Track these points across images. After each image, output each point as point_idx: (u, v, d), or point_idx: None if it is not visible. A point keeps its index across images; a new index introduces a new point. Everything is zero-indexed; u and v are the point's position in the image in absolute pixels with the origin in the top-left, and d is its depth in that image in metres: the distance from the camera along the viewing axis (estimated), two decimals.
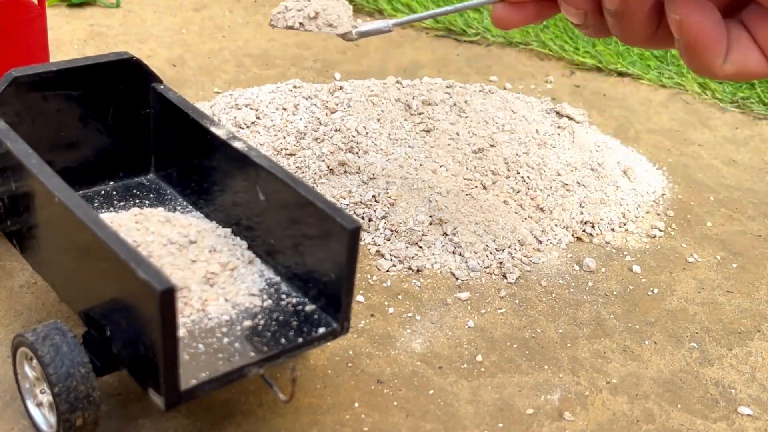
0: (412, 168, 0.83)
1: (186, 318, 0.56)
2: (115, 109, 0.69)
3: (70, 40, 1.14)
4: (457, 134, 0.87)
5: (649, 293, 0.77)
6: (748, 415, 0.65)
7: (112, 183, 0.71)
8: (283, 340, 0.55)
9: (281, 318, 0.57)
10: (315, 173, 0.82)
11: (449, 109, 0.90)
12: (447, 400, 0.63)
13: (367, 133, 0.85)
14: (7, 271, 0.71)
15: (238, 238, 0.64)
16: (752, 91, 1.17)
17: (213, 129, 0.64)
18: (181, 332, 0.55)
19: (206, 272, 0.59)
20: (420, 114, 0.88)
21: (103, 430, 0.57)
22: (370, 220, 0.79)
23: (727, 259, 0.83)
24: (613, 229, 0.84)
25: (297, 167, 0.84)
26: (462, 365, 0.66)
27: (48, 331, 0.53)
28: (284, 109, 0.91)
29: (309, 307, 0.58)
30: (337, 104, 0.89)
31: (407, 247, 0.77)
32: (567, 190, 0.85)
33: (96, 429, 0.54)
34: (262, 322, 0.57)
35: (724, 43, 0.47)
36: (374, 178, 0.81)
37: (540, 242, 0.81)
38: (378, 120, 0.87)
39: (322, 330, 0.56)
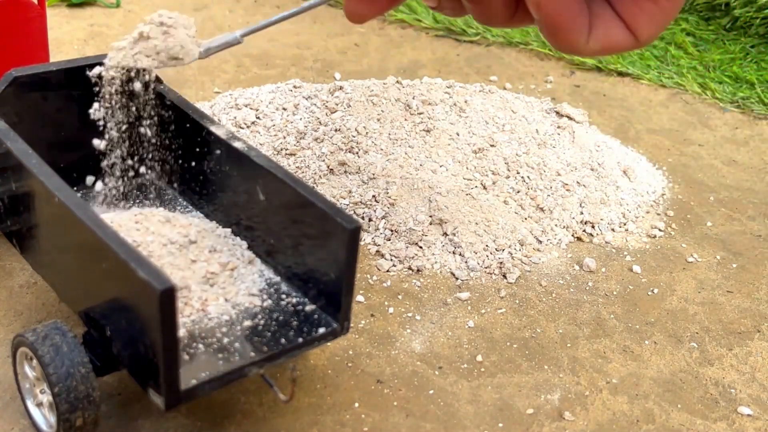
0: (412, 168, 0.83)
1: (186, 318, 0.56)
2: None
3: (70, 40, 1.14)
4: (457, 134, 0.87)
5: (649, 293, 0.77)
6: (748, 415, 0.65)
7: (111, 183, 0.71)
8: (283, 340, 0.55)
9: (281, 318, 0.57)
10: (315, 173, 0.82)
11: (449, 109, 0.90)
12: (447, 400, 0.63)
13: (367, 133, 0.85)
14: (7, 271, 0.71)
15: (238, 238, 0.64)
16: (752, 91, 1.17)
17: (213, 129, 0.64)
18: (181, 332, 0.55)
19: (206, 272, 0.59)
20: (420, 114, 0.88)
21: (103, 430, 0.57)
22: (370, 220, 0.79)
23: (727, 259, 0.83)
24: (613, 229, 0.84)
25: (297, 167, 0.84)
26: (462, 365, 0.66)
27: (48, 331, 0.53)
28: (284, 109, 0.91)
29: (309, 307, 0.58)
30: (337, 104, 0.89)
31: (407, 247, 0.77)
32: (567, 190, 0.85)
33: (96, 429, 0.54)
34: (262, 322, 0.57)
35: (586, 21, 0.46)
36: (374, 178, 0.81)
37: (540, 242, 0.81)
38: (378, 120, 0.87)
39: (322, 330, 0.56)
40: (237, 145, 0.61)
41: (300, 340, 0.55)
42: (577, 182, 0.86)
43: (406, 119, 0.88)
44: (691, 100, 1.16)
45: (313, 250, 0.57)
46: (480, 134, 0.87)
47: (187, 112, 0.66)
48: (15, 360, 0.56)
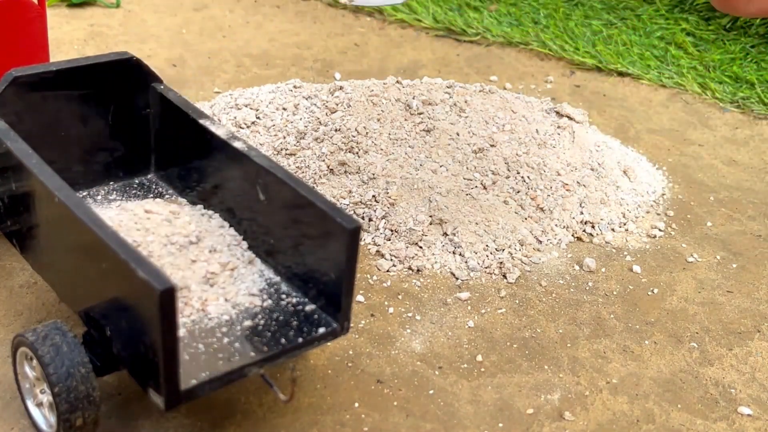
0: (412, 168, 0.83)
1: (186, 318, 0.56)
2: (115, 109, 0.69)
3: (70, 40, 1.14)
4: (457, 134, 0.87)
5: (649, 293, 0.77)
6: (748, 415, 0.65)
7: (112, 183, 0.71)
8: (283, 340, 0.55)
9: (281, 318, 0.57)
10: (315, 173, 0.83)
11: (449, 109, 0.90)
12: (447, 400, 0.63)
13: (367, 133, 0.85)
14: (7, 271, 0.71)
15: (238, 238, 0.64)
16: (752, 91, 1.17)
17: (213, 129, 0.64)
18: (181, 332, 0.55)
19: (206, 272, 0.59)
20: (420, 114, 0.88)
21: (103, 430, 0.57)
22: (370, 220, 0.79)
23: (727, 259, 0.83)
24: (613, 229, 0.85)
25: (297, 167, 0.84)
26: (462, 365, 0.66)
27: (48, 331, 0.53)
28: (284, 109, 0.91)
29: (309, 307, 0.58)
30: (337, 104, 0.89)
31: (407, 247, 0.77)
32: (567, 190, 0.85)
33: (96, 429, 0.54)
34: (262, 322, 0.57)
35: None
36: (374, 178, 0.81)
37: (540, 242, 0.81)
38: (378, 120, 0.87)
39: (322, 330, 0.56)
40: (237, 145, 0.61)
41: (300, 340, 0.55)
42: (577, 182, 0.86)
43: (406, 119, 0.88)
44: (691, 100, 1.16)
45: (313, 250, 0.57)
46: (480, 134, 0.87)
47: (187, 112, 0.66)
48: (15, 360, 0.56)
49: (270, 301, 0.59)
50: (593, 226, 0.84)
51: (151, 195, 0.70)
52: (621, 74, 1.21)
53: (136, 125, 0.70)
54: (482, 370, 0.66)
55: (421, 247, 0.77)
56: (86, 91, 0.67)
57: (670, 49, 1.27)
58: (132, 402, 0.60)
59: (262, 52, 1.17)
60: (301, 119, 0.89)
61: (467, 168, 0.84)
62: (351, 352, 0.66)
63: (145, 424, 0.58)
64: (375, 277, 0.75)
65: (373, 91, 0.91)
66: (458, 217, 0.79)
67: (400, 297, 0.73)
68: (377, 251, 0.77)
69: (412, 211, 0.79)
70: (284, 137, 0.87)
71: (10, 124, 0.61)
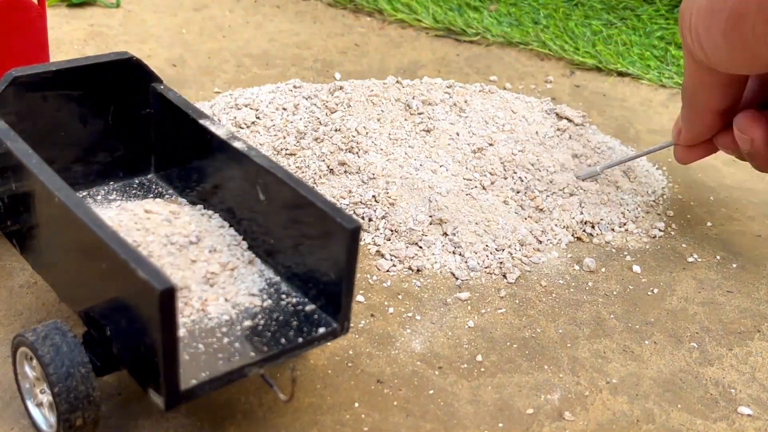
0: (412, 168, 0.83)
1: (186, 318, 0.56)
2: (115, 109, 0.69)
3: (70, 40, 1.14)
4: (457, 134, 0.87)
5: (649, 293, 0.77)
6: (748, 415, 0.65)
7: (112, 183, 0.71)
8: (283, 340, 0.55)
9: (281, 318, 0.57)
10: (315, 173, 0.83)
11: (449, 109, 0.90)
12: (447, 400, 0.63)
13: (367, 133, 0.85)
14: (7, 271, 0.71)
15: (238, 238, 0.64)
16: None
17: (213, 129, 0.64)
18: (181, 332, 0.55)
19: (206, 272, 0.59)
20: (420, 114, 0.88)
21: (103, 430, 0.57)
22: (370, 220, 0.79)
23: (727, 259, 0.83)
24: (613, 229, 0.84)
25: (297, 167, 0.84)
26: (462, 365, 0.66)
27: (48, 331, 0.53)
28: (284, 109, 0.91)
29: (309, 307, 0.58)
30: (337, 104, 0.89)
31: (407, 247, 0.77)
32: (567, 190, 0.85)
33: (96, 429, 0.54)
34: (262, 322, 0.57)
35: None
36: (374, 178, 0.81)
37: (540, 242, 0.81)
38: (378, 120, 0.87)
39: (322, 330, 0.56)
40: (237, 145, 0.61)
41: (300, 340, 0.55)
42: (578, 183, 0.86)
43: (406, 119, 0.88)
44: None
45: (313, 250, 0.57)
46: (480, 134, 0.87)
47: (187, 112, 0.66)
48: (15, 360, 0.56)
49: (270, 301, 0.59)
50: (593, 226, 0.84)
51: (151, 195, 0.70)
52: (621, 74, 1.21)
53: (136, 125, 0.70)
54: (482, 370, 0.66)
55: (421, 247, 0.77)
56: (86, 91, 0.67)
57: (670, 49, 1.27)
58: (132, 402, 0.60)
59: (262, 52, 1.17)
60: (301, 119, 0.89)
61: (467, 168, 0.84)
62: (351, 352, 0.66)
63: (145, 424, 0.58)
64: (375, 277, 0.75)
65: (373, 91, 0.91)
66: (458, 217, 0.79)
67: (400, 297, 0.73)
68: (377, 251, 0.77)
69: (412, 211, 0.79)
70: (284, 137, 0.87)
71: (10, 124, 0.61)
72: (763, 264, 0.83)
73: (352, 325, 0.64)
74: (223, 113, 0.92)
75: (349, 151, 0.84)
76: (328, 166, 0.83)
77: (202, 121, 0.65)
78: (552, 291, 0.76)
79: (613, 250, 0.82)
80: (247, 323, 0.56)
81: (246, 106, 0.92)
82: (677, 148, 0.82)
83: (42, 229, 0.58)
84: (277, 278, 0.61)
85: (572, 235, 0.83)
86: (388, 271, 0.76)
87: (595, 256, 0.80)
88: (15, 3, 0.71)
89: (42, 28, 0.73)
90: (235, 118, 0.90)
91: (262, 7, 1.33)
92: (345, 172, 0.82)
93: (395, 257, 0.76)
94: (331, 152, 0.84)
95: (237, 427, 0.59)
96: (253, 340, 0.55)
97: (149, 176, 0.72)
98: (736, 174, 0.99)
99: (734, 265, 0.82)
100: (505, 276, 0.76)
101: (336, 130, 0.86)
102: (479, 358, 0.67)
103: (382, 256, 0.77)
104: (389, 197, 0.79)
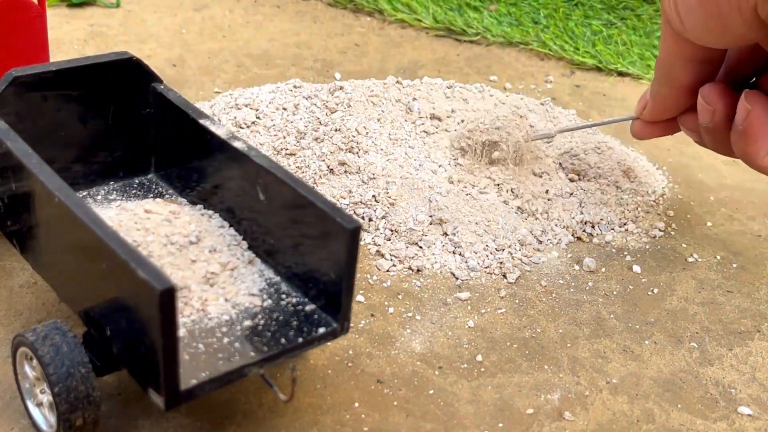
0: (412, 168, 0.83)
1: (186, 318, 0.56)
2: (115, 109, 0.69)
3: (70, 40, 1.14)
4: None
5: (649, 293, 0.77)
6: (748, 415, 0.65)
7: (112, 183, 0.71)
8: (283, 340, 0.55)
9: (281, 318, 0.57)
10: (315, 173, 0.83)
11: (454, 117, 0.90)
12: (447, 400, 0.63)
13: (367, 133, 0.85)
14: (7, 271, 0.71)
15: (238, 238, 0.64)
16: None
17: (213, 129, 0.64)
18: (181, 332, 0.55)
19: (206, 272, 0.59)
20: (421, 117, 0.88)
21: (103, 430, 0.57)
22: (370, 220, 0.79)
23: (727, 259, 0.83)
24: (613, 229, 0.84)
25: (297, 167, 0.84)
26: (462, 365, 0.66)
27: (48, 331, 0.53)
28: (284, 109, 0.91)
29: (309, 307, 0.58)
30: (337, 104, 0.89)
31: (407, 247, 0.77)
32: (567, 190, 0.85)
33: (96, 429, 0.54)
34: (262, 322, 0.57)
35: None
36: (374, 178, 0.81)
37: (540, 242, 0.81)
38: (378, 120, 0.87)
39: (322, 330, 0.56)
40: (237, 144, 0.61)
41: (300, 340, 0.55)
42: (577, 184, 0.86)
43: (406, 119, 0.88)
44: None
45: (313, 250, 0.57)
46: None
47: (187, 112, 0.66)
48: (15, 360, 0.56)
49: (270, 301, 0.59)
50: (593, 226, 0.84)
51: (151, 195, 0.70)
52: (621, 74, 1.21)
53: (136, 125, 0.70)
54: (482, 370, 0.66)
55: (421, 247, 0.77)
56: (86, 91, 0.67)
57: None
58: (132, 402, 0.60)
59: (262, 52, 1.17)
60: (301, 119, 0.89)
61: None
62: (351, 352, 0.66)
63: (145, 424, 0.58)
64: (375, 277, 0.75)
65: (373, 91, 0.91)
66: (458, 217, 0.79)
67: (400, 297, 0.73)
68: (377, 251, 0.77)
69: (412, 211, 0.79)
70: (284, 137, 0.87)
71: (10, 124, 0.61)
72: (763, 264, 0.83)
73: (352, 325, 0.64)
74: (223, 113, 0.92)
75: (349, 151, 0.84)
76: (328, 166, 0.83)
77: (202, 121, 0.65)
78: (552, 291, 0.76)
79: (613, 250, 0.82)
80: (247, 323, 0.56)
81: (246, 106, 0.92)
82: (637, 122, 0.81)
83: (42, 229, 0.58)
84: (277, 278, 0.61)
85: (572, 235, 0.83)
86: (388, 271, 0.76)
87: (595, 256, 0.80)
88: (15, 3, 0.71)
89: (42, 28, 0.73)
90: (235, 118, 0.90)
91: (262, 7, 1.33)
92: (345, 172, 0.82)
93: (395, 257, 0.76)
94: (331, 152, 0.84)
95: (237, 427, 0.59)
96: (253, 340, 0.55)
97: (149, 176, 0.72)
98: (736, 174, 0.99)
99: (734, 265, 0.82)
100: (505, 276, 0.76)
101: (336, 130, 0.86)
102: (479, 358, 0.67)
103: (382, 256, 0.77)
104: (389, 197, 0.79)
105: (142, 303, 0.48)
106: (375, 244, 0.78)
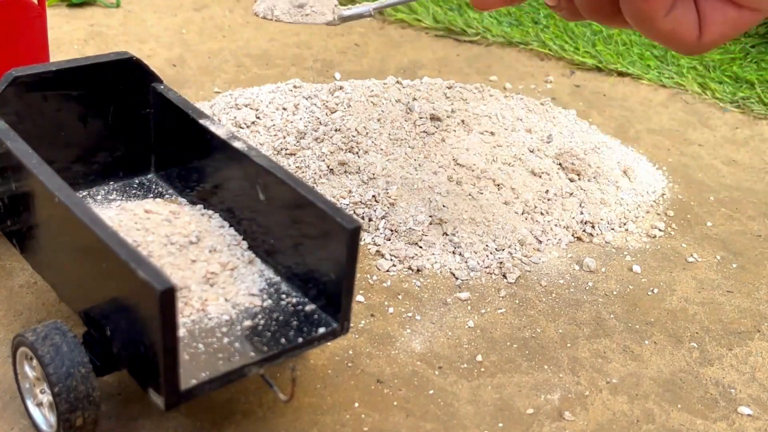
0: (412, 168, 0.83)
1: (186, 318, 0.56)
2: (115, 109, 0.69)
3: (70, 40, 1.14)
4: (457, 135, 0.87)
5: (649, 293, 0.77)
6: (748, 415, 0.65)
7: (112, 183, 0.71)
8: (283, 340, 0.55)
9: (281, 318, 0.57)
10: (315, 173, 0.82)
11: (454, 117, 0.90)
12: (447, 400, 0.63)
13: (367, 133, 0.85)
14: (7, 271, 0.71)
15: (238, 238, 0.64)
16: (752, 91, 1.17)
17: (213, 129, 0.64)
18: (181, 332, 0.55)
19: (206, 272, 0.59)
20: (421, 118, 0.88)
21: (103, 430, 0.57)
22: (370, 220, 0.79)
23: (727, 259, 0.83)
24: (613, 229, 0.84)
25: (297, 167, 0.84)
26: (462, 365, 0.66)
27: (48, 331, 0.53)
28: (284, 109, 0.91)
29: (309, 307, 0.58)
30: (337, 104, 0.89)
31: (407, 247, 0.77)
32: (567, 190, 0.85)
33: (96, 429, 0.54)
34: (262, 322, 0.57)
35: None
36: (374, 178, 0.81)
37: (540, 242, 0.81)
38: (378, 120, 0.87)
39: (322, 330, 0.56)
40: (237, 144, 0.61)
41: (300, 340, 0.55)
42: (578, 184, 0.86)
43: (406, 119, 0.88)
44: (691, 100, 1.16)
45: (313, 250, 0.57)
46: (480, 135, 0.87)
47: (187, 112, 0.66)
48: (15, 360, 0.56)
49: (270, 301, 0.59)
50: (593, 226, 0.84)
51: (151, 195, 0.70)
52: (621, 74, 1.21)
53: (136, 125, 0.70)
54: (482, 370, 0.66)
55: (421, 247, 0.77)
56: (86, 91, 0.67)
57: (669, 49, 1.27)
58: (132, 402, 0.60)
59: (262, 52, 1.17)
60: (301, 119, 0.89)
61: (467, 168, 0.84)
62: (351, 352, 0.66)
63: (145, 424, 0.58)
64: (375, 277, 0.75)
65: (373, 91, 0.91)
66: (458, 217, 0.79)
67: (400, 297, 0.73)
68: (377, 251, 0.77)
69: (412, 211, 0.79)
70: (284, 137, 0.87)
71: (10, 124, 0.61)
72: (763, 264, 0.83)
73: (352, 325, 0.64)
74: (223, 113, 0.92)
75: (349, 151, 0.84)
76: (328, 166, 0.83)
77: (202, 121, 0.65)
78: (552, 291, 0.76)
79: (613, 250, 0.82)
80: (247, 323, 0.56)
81: (246, 106, 0.92)
82: None
83: (42, 229, 0.58)
84: (277, 278, 0.61)
85: (572, 235, 0.83)
86: (388, 271, 0.76)
87: (595, 256, 0.80)
88: (15, 3, 0.71)
89: (42, 28, 0.73)
90: (235, 118, 0.90)
91: None
92: (345, 172, 0.82)
93: (395, 257, 0.76)
94: (331, 152, 0.84)
95: (237, 427, 0.59)
96: (253, 340, 0.55)
97: (149, 176, 0.72)
98: (736, 174, 0.99)
99: (734, 265, 0.82)
100: (505, 276, 0.76)
101: (336, 130, 0.86)
102: (479, 358, 0.67)
103: (382, 256, 0.77)
104: (389, 197, 0.79)
105: (142, 303, 0.48)
106: (375, 244, 0.78)
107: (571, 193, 0.85)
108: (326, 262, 0.56)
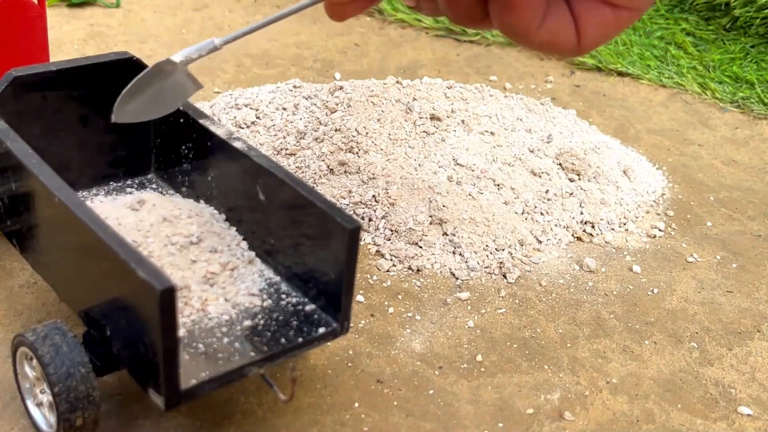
0: (412, 168, 0.83)
1: (186, 318, 0.56)
2: None
3: (70, 40, 1.14)
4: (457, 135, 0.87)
5: (649, 293, 0.77)
6: (748, 415, 0.65)
7: (112, 183, 0.71)
8: (283, 340, 0.55)
9: (281, 318, 0.57)
10: (315, 173, 0.82)
11: (454, 117, 0.90)
12: (447, 400, 0.63)
13: (367, 133, 0.85)
14: (7, 271, 0.71)
15: (238, 238, 0.64)
16: (752, 91, 1.17)
17: (213, 129, 0.64)
18: (181, 332, 0.55)
19: (206, 272, 0.59)
20: (421, 118, 0.88)
21: (103, 430, 0.57)
22: (370, 220, 0.79)
23: (727, 259, 0.83)
24: (613, 229, 0.84)
25: (297, 167, 0.84)
26: (462, 365, 0.66)
27: (48, 331, 0.53)
28: (284, 109, 0.91)
29: (309, 307, 0.58)
30: (337, 104, 0.89)
31: (407, 247, 0.77)
32: (567, 190, 0.85)
33: (96, 429, 0.54)
34: (262, 322, 0.57)
35: (542, 6, 0.44)
36: (374, 178, 0.81)
37: (540, 242, 0.81)
38: (378, 120, 0.87)
39: (322, 330, 0.56)
40: (237, 144, 0.61)
41: (300, 340, 0.55)
42: (578, 184, 0.86)
43: (406, 119, 0.88)
44: (691, 100, 1.16)
45: (313, 250, 0.57)
46: (480, 135, 0.87)
47: (187, 112, 0.66)
48: (15, 360, 0.56)
49: (270, 301, 0.59)
50: (593, 226, 0.84)
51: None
52: (621, 74, 1.21)
53: (136, 125, 0.70)
54: (482, 370, 0.66)
55: (421, 247, 0.77)
56: (86, 91, 0.67)
57: (670, 49, 1.27)
58: (132, 402, 0.60)
59: (262, 52, 1.17)
60: (301, 119, 0.89)
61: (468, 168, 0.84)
62: (351, 352, 0.66)
63: (145, 424, 0.58)
64: (375, 277, 0.75)
65: (373, 91, 0.91)
66: (458, 217, 0.79)
67: (400, 297, 0.73)
68: (377, 251, 0.77)
69: (412, 211, 0.79)
70: (284, 137, 0.87)
71: (10, 124, 0.61)
72: (763, 264, 0.83)
73: (352, 325, 0.64)
74: (223, 113, 0.92)
75: (349, 151, 0.84)
76: (328, 166, 0.83)
77: (202, 121, 0.65)
78: (552, 291, 0.76)
79: (613, 250, 0.82)
80: (247, 323, 0.56)
81: (246, 106, 0.92)
82: (330, 2, 0.55)
83: (42, 229, 0.58)
84: (277, 278, 0.61)
85: (572, 235, 0.83)
86: (388, 271, 0.76)
87: (595, 256, 0.80)
88: (15, 3, 0.71)
89: (42, 28, 0.73)
90: (235, 118, 0.90)
91: (262, 7, 1.33)
92: (345, 172, 0.82)
93: (395, 257, 0.76)
94: (331, 152, 0.84)
95: (237, 427, 0.59)
96: (253, 340, 0.55)
97: (149, 176, 0.72)
98: (736, 174, 0.99)
99: (734, 265, 0.82)
100: (505, 276, 0.76)
101: (336, 130, 0.86)
102: (479, 358, 0.67)
103: (382, 256, 0.77)
104: (389, 197, 0.79)
105: (142, 303, 0.48)
106: (375, 244, 0.78)
107: (571, 193, 0.85)
108: (326, 262, 0.56)
